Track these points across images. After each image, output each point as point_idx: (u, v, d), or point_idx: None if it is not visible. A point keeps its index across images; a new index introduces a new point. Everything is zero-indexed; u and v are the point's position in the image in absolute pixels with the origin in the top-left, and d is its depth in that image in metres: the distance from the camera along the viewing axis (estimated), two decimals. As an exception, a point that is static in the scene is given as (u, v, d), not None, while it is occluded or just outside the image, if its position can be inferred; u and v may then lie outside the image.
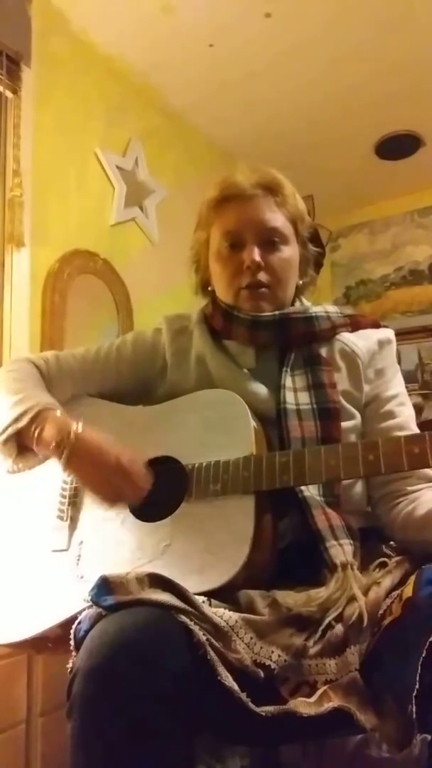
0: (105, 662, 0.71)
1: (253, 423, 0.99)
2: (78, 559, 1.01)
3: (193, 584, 0.84)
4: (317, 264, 1.20)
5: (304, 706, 0.75)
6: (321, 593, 0.87)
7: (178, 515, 0.97)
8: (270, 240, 1.08)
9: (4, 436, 1.03)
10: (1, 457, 1.07)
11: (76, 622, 0.81)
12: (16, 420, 1.02)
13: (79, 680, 0.72)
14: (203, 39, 2.27)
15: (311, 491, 0.97)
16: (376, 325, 1.17)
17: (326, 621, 0.83)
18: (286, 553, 0.96)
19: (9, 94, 1.96)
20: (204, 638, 0.75)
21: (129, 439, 1.02)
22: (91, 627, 0.76)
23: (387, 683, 0.79)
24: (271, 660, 0.80)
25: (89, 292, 2.15)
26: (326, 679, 0.80)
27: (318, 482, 0.96)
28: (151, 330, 1.21)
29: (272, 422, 1.02)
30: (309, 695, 0.77)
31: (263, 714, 0.74)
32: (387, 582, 0.89)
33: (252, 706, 0.74)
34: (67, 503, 1.07)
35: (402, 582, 0.88)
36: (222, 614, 0.81)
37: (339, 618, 0.84)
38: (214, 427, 1.02)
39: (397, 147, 2.95)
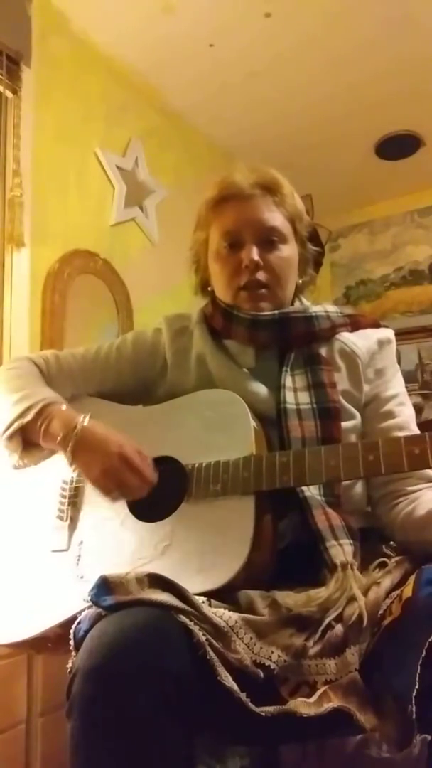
0: (105, 662, 0.71)
1: (253, 423, 0.99)
2: (78, 559, 1.01)
3: (193, 584, 0.84)
4: (316, 263, 1.20)
5: (303, 706, 0.75)
6: (321, 593, 0.87)
7: (178, 515, 0.97)
8: (269, 239, 1.08)
9: (10, 431, 1.04)
10: (7, 453, 1.07)
11: (76, 622, 0.81)
12: (22, 415, 1.03)
13: (79, 680, 0.72)
14: (203, 39, 2.27)
15: (311, 491, 0.97)
16: (376, 325, 1.17)
17: (326, 621, 0.83)
18: (286, 553, 0.96)
19: (9, 94, 1.96)
20: (204, 638, 0.75)
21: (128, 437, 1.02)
22: (91, 627, 0.76)
23: (387, 683, 0.79)
24: (270, 660, 0.80)
25: (89, 292, 2.15)
26: (326, 679, 0.79)
27: (318, 482, 0.96)
28: (151, 330, 1.21)
29: (272, 422, 1.02)
30: (309, 695, 0.77)
31: (263, 714, 0.74)
32: (387, 582, 0.89)
33: (252, 706, 0.74)
34: (67, 503, 1.07)
35: (402, 582, 0.88)
36: (222, 614, 0.81)
37: (339, 618, 0.84)
38: (214, 427, 1.02)
39: (397, 147, 2.95)
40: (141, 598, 0.76)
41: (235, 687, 0.74)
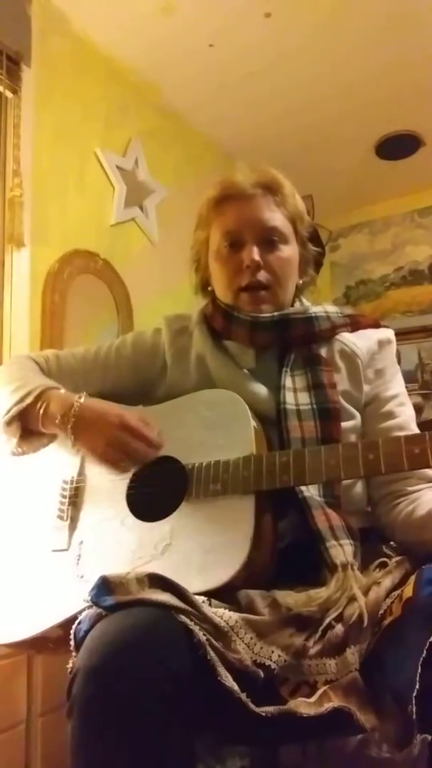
0: (105, 662, 0.71)
1: (253, 423, 0.99)
2: (78, 559, 1.01)
3: (193, 584, 0.84)
4: (317, 264, 1.20)
5: (304, 706, 0.75)
6: (321, 593, 0.87)
7: (178, 515, 0.97)
8: (269, 239, 1.08)
9: (9, 416, 1.05)
10: (5, 438, 1.08)
11: (76, 622, 0.81)
12: (21, 400, 1.04)
13: (80, 680, 0.72)
14: (203, 39, 2.27)
15: (311, 491, 0.97)
16: (376, 325, 1.17)
17: (326, 621, 0.83)
18: (286, 553, 0.96)
19: (9, 94, 1.96)
20: (204, 638, 0.75)
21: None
22: (91, 627, 0.76)
23: (387, 683, 0.79)
24: (271, 660, 0.80)
25: (89, 292, 2.15)
26: (326, 679, 0.79)
27: (318, 482, 0.96)
28: (150, 330, 1.21)
29: (272, 422, 1.02)
30: (309, 695, 0.77)
31: (263, 714, 0.74)
32: (387, 582, 0.89)
33: (252, 706, 0.74)
34: (67, 503, 1.07)
35: (402, 582, 0.88)
36: (222, 614, 0.81)
37: (339, 618, 0.84)
38: (214, 427, 1.02)
39: (397, 147, 2.95)
40: (141, 598, 0.76)
41: (236, 687, 0.74)
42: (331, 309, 1.14)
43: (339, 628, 0.83)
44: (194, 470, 0.99)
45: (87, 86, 2.24)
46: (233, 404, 1.01)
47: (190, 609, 0.78)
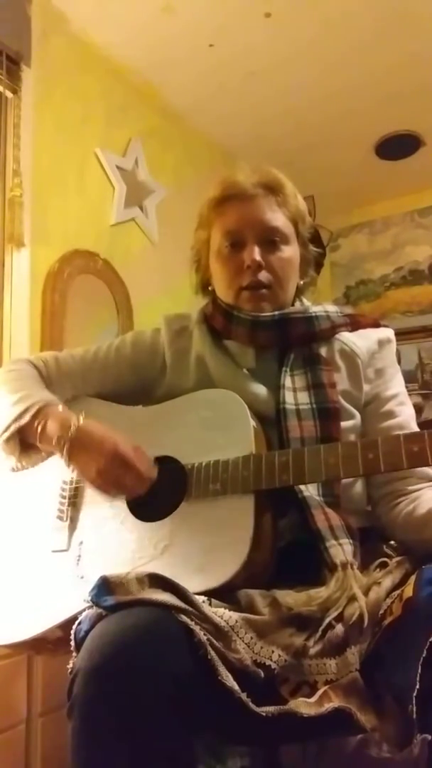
0: (105, 662, 0.71)
1: (252, 422, 0.99)
2: (78, 560, 1.01)
3: (193, 584, 0.84)
4: (318, 264, 1.20)
5: (304, 706, 0.75)
6: (321, 593, 0.87)
7: (178, 515, 0.97)
8: (270, 239, 1.08)
9: (7, 433, 1.04)
10: (5, 456, 1.07)
11: (77, 622, 0.81)
12: (19, 417, 1.03)
13: (80, 680, 0.72)
14: (203, 39, 2.27)
15: (311, 491, 0.97)
16: (376, 325, 1.17)
17: (326, 621, 0.83)
18: (286, 553, 0.96)
19: (9, 94, 1.96)
20: (204, 638, 0.75)
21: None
22: (92, 627, 0.76)
23: (387, 683, 0.79)
24: (271, 660, 0.80)
25: (89, 292, 2.15)
26: (326, 679, 0.79)
27: (318, 481, 0.96)
28: (150, 330, 1.21)
29: (272, 422, 1.02)
30: (309, 695, 0.77)
31: (263, 714, 0.74)
32: (387, 582, 0.89)
33: (252, 706, 0.74)
34: (67, 503, 1.07)
35: (402, 582, 0.88)
36: (222, 614, 0.81)
37: (339, 618, 0.84)
38: (213, 427, 1.02)
39: (397, 147, 2.95)
40: (141, 598, 0.76)
41: (236, 687, 0.74)
42: (331, 308, 1.14)
43: (339, 628, 0.83)
44: (194, 470, 0.99)
45: (87, 86, 2.24)
46: (232, 404, 1.01)
47: (190, 609, 0.78)
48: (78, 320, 2.06)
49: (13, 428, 1.03)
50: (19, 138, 1.94)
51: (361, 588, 0.87)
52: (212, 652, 0.74)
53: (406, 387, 1.16)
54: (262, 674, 0.78)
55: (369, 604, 0.85)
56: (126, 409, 1.14)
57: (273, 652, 0.81)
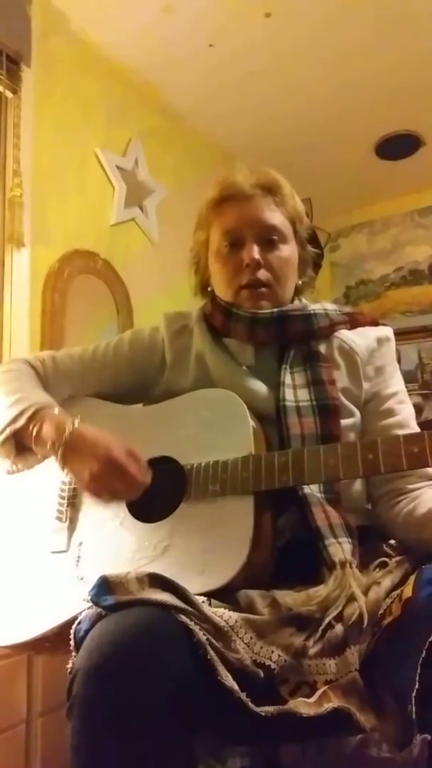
0: (105, 662, 0.71)
1: (252, 423, 0.99)
2: (77, 561, 1.01)
3: (192, 585, 0.84)
4: (315, 265, 1.20)
5: (303, 706, 0.75)
6: (320, 592, 0.86)
7: (178, 515, 0.97)
8: (269, 238, 1.08)
9: (3, 436, 1.03)
10: (0, 458, 1.07)
11: (76, 622, 0.81)
12: (14, 420, 1.02)
13: (79, 680, 0.72)
14: (203, 39, 2.27)
15: (311, 488, 0.97)
16: (375, 323, 1.17)
17: (326, 620, 0.83)
18: (285, 551, 0.96)
19: (9, 94, 1.96)
20: (204, 638, 0.75)
21: (127, 440, 1.02)
22: (91, 627, 0.76)
23: (387, 683, 0.79)
24: (271, 660, 0.80)
25: (89, 292, 2.15)
26: (326, 679, 0.79)
27: (317, 482, 0.96)
28: (148, 329, 1.21)
29: (272, 419, 1.02)
30: (309, 695, 0.77)
31: (263, 714, 0.74)
32: (387, 582, 0.89)
33: (252, 706, 0.74)
34: (66, 504, 1.07)
35: (402, 582, 0.88)
36: (222, 614, 0.81)
37: (339, 618, 0.84)
38: (213, 427, 1.02)
39: (397, 147, 2.95)
40: (141, 598, 0.76)
41: (236, 687, 0.74)
42: (330, 307, 1.15)
43: (339, 628, 0.83)
44: (193, 471, 0.99)
45: (87, 86, 2.24)
46: (232, 404, 1.01)
47: (190, 609, 0.78)
48: (78, 320, 2.07)
49: (8, 431, 1.03)
50: (19, 138, 1.94)
51: (360, 588, 0.87)
52: (212, 652, 0.74)
53: (406, 387, 1.16)
54: (262, 674, 0.78)
55: (368, 604, 0.85)
56: (125, 409, 1.14)
57: (272, 652, 0.81)
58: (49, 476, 1.10)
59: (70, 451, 0.97)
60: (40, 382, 1.15)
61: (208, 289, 1.17)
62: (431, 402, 3.23)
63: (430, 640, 0.73)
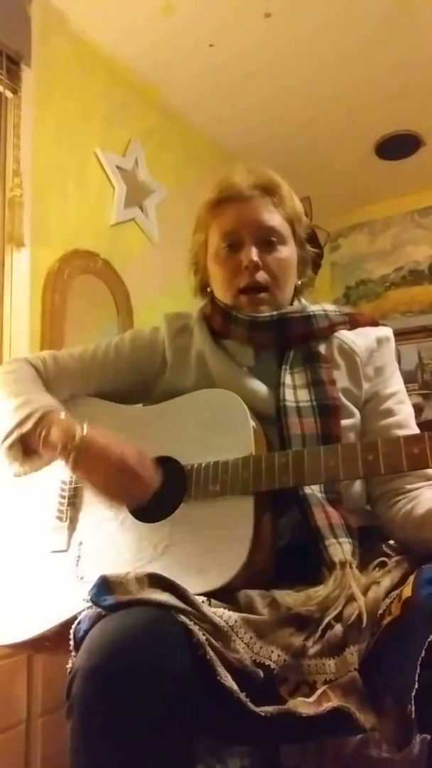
0: (105, 662, 0.71)
1: (252, 423, 0.99)
2: (77, 560, 1.01)
3: (192, 585, 0.84)
4: (315, 265, 1.20)
5: (303, 706, 0.75)
6: (320, 592, 0.87)
7: (178, 516, 0.97)
8: (268, 240, 1.08)
9: (10, 440, 1.02)
10: (7, 462, 1.06)
11: (76, 622, 0.81)
12: (20, 424, 1.02)
13: (79, 680, 0.72)
14: (203, 39, 2.27)
15: (312, 488, 0.97)
16: (375, 324, 1.17)
17: (326, 620, 0.83)
18: (285, 552, 0.96)
19: (9, 94, 1.96)
20: (203, 638, 0.75)
21: (128, 439, 1.02)
22: (91, 627, 0.76)
23: (386, 683, 0.79)
24: (270, 660, 0.80)
25: (89, 292, 2.15)
26: (325, 679, 0.79)
27: (317, 483, 0.96)
28: (148, 328, 1.21)
29: (272, 420, 1.02)
30: (308, 695, 0.77)
31: (263, 714, 0.74)
32: (386, 582, 0.89)
33: (251, 706, 0.74)
34: (66, 504, 1.07)
35: (401, 582, 0.88)
36: (221, 614, 0.81)
37: (338, 617, 0.84)
38: (213, 428, 1.02)
39: (397, 147, 2.95)
40: (141, 598, 0.76)
41: (235, 687, 0.74)
42: (330, 307, 1.15)
43: (338, 628, 0.83)
44: (193, 471, 0.99)
45: (87, 86, 2.24)
46: (232, 404, 1.01)
47: (189, 609, 0.78)
48: (78, 320, 2.07)
49: (15, 434, 1.02)
50: (19, 138, 1.94)
51: (360, 587, 0.87)
52: (211, 652, 0.74)
53: (406, 387, 1.16)
54: (262, 674, 0.78)
55: (368, 604, 0.85)
56: (126, 409, 1.14)
57: (272, 652, 0.81)
58: (50, 476, 1.10)
59: (82, 456, 0.97)
60: (42, 383, 1.15)
61: (208, 290, 1.17)
62: (431, 402, 3.23)
63: (429, 640, 0.73)
